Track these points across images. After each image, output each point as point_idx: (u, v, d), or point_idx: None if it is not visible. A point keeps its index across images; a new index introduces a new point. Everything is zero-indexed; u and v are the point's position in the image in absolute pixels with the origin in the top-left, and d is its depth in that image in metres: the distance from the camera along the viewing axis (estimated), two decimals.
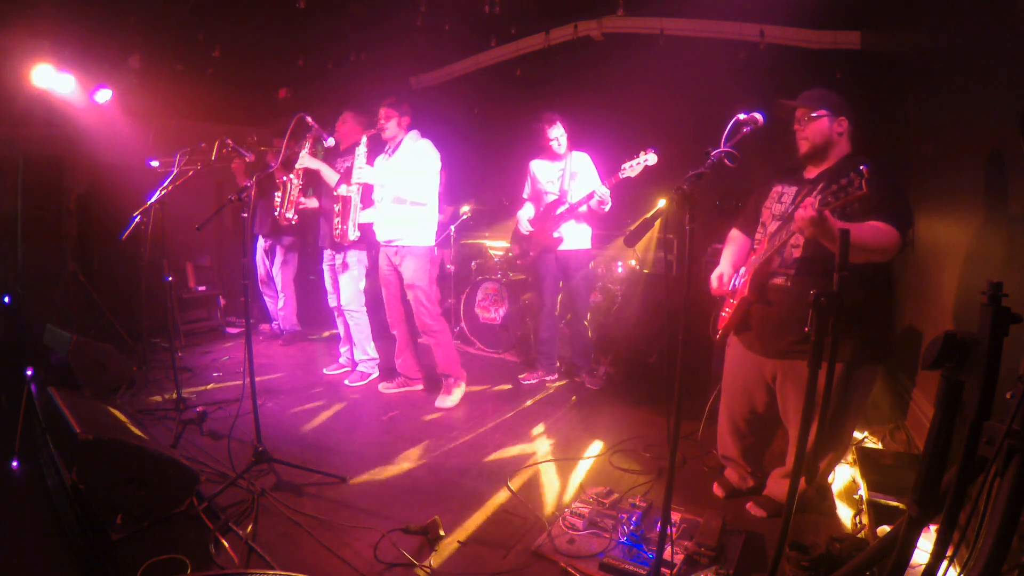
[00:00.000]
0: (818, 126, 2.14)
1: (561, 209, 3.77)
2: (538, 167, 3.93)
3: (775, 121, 2.22)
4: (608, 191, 3.53)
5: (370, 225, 3.64)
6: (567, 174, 3.79)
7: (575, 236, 3.83)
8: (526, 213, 4.00)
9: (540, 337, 4.08)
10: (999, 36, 2.12)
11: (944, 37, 2.78)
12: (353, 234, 3.63)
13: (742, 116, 1.96)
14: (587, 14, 5.07)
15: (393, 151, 3.52)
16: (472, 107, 6.32)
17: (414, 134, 3.52)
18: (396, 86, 5.80)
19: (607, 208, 3.63)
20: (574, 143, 3.85)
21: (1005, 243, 2.13)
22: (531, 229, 3.91)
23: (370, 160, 3.54)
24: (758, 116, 1.96)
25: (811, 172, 2.21)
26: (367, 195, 3.66)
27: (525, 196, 4.06)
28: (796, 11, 4.21)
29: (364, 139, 3.50)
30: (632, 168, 3.38)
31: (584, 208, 3.71)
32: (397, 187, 3.38)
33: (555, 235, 3.80)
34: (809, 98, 2.17)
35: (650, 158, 3.34)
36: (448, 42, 5.48)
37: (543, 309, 4.01)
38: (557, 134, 3.73)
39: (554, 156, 3.82)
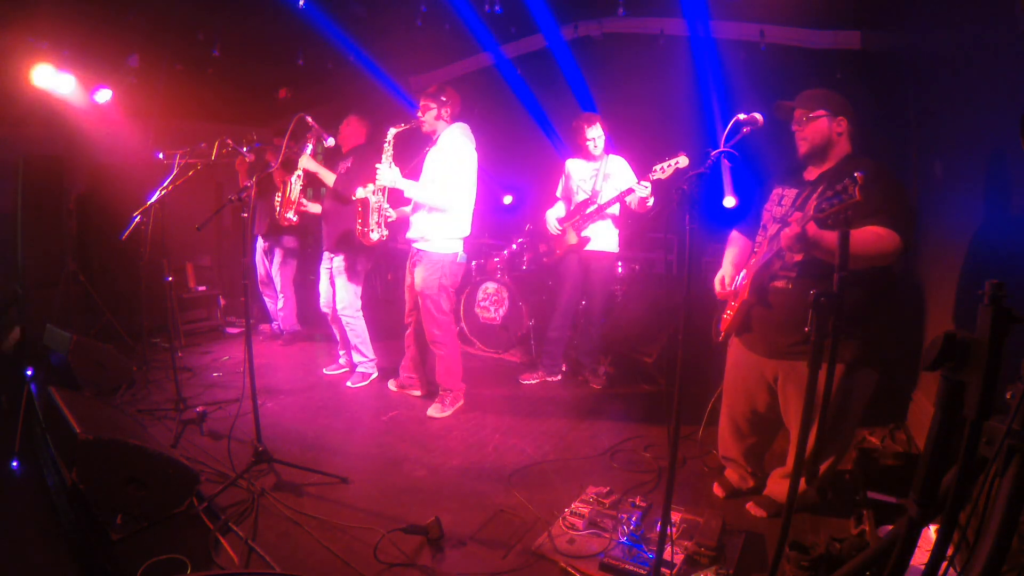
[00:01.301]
0: (817, 126, 2.14)
1: (590, 209, 3.75)
2: (574, 166, 3.91)
3: (776, 122, 2.22)
4: (650, 186, 3.41)
5: (402, 224, 3.49)
6: (601, 175, 3.77)
7: (602, 238, 3.81)
8: (555, 212, 3.98)
9: (548, 337, 4.04)
10: (999, 36, 2.12)
11: (944, 37, 2.79)
12: (376, 235, 3.42)
13: (742, 116, 1.97)
14: (587, 14, 5.07)
15: (431, 146, 3.31)
16: (472, 107, 6.32)
17: (456, 127, 3.26)
18: (396, 86, 5.79)
19: (650, 204, 3.53)
20: (577, 143, 3.84)
21: (1005, 243, 2.13)
22: (559, 228, 3.88)
23: (396, 159, 3.32)
24: (758, 116, 1.96)
25: (811, 173, 2.20)
26: (393, 192, 3.42)
27: (558, 195, 4.04)
28: (796, 11, 4.21)
29: (391, 134, 3.22)
30: (663, 171, 3.30)
31: (615, 209, 3.70)
32: (416, 192, 3.25)
33: (583, 235, 3.79)
34: (808, 98, 2.17)
35: (682, 161, 3.27)
36: (448, 42, 5.49)
37: (557, 309, 3.98)
38: (595, 135, 3.71)
39: (590, 156, 3.79)
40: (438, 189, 3.21)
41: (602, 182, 3.77)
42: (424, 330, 3.45)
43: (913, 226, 1.97)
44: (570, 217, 3.87)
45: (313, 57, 5.18)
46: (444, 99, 3.22)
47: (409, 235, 3.41)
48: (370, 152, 3.57)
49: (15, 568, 2.07)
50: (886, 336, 2.20)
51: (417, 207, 3.35)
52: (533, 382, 4.00)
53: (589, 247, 3.81)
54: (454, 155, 3.23)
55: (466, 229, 3.36)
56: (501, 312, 4.70)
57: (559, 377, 4.09)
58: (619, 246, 3.93)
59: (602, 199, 3.72)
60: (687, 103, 4.67)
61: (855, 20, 4.26)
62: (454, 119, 3.30)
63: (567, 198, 3.97)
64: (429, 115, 3.23)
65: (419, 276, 3.33)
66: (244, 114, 6.03)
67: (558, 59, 5.22)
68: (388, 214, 3.43)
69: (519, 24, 5.12)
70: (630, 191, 3.51)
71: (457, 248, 3.35)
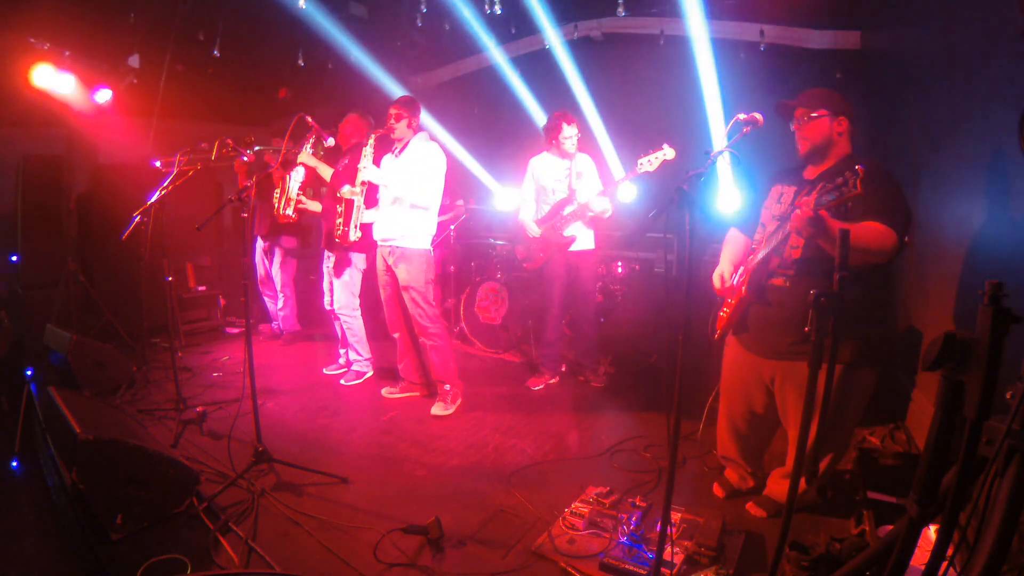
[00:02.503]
0: (818, 126, 2.14)
1: (570, 208, 3.74)
2: (542, 164, 3.88)
3: (776, 121, 2.22)
4: (610, 204, 3.65)
5: (371, 226, 3.60)
6: (574, 173, 3.77)
7: (584, 236, 3.82)
8: (529, 214, 3.94)
9: (547, 339, 4.02)
10: (999, 36, 2.12)
11: (944, 37, 2.79)
12: (354, 235, 3.58)
13: (742, 116, 1.97)
14: (587, 14, 5.08)
15: (400, 152, 3.45)
16: (472, 107, 6.33)
17: (423, 135, 3.45)
18: (397, 85, 5.80)
19: (607, 215, 3.70)
20: (551, 140, 3.85)
21: (1005, 243, 2.13)
22: (539, 230, 3.86)
23: (377, 161, 3.49)
24: (758, 116, 1.96)
25: (811, 173, 2.20)
26: (371, 195, 3.60)
27: (524, 196, 4.00)
28: (796, 11, 4.21)
29: (372, 139, 3.45)
30: (650, 163, 3.32)
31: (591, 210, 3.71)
32: (399, 188, 3.33)
33: (566, 235, 3.78)
34: (809, 97, 2.17)
35: (668, 152, 3.29)
36: (448, 42, 5.49)
37: (550, 311, 3.95)
38: (572, 133, 3.71)
39: (564, 155, 3.79)
40: (423, 186, 3.31)
41: (577, 180, 3.77)
42: (414, 325, 3.49)
43: (909, 224, 1.98)
44: (549, 218, 3.84)
45: (313, 57, 5.18)
46: (415, 110, 3.42)
47: (383, 235, 3.46)
48: (379, 149, 3.60)
49: (15, 568, 2.07)
50: (886, 336, 2.20)
51: (393, 207, 3.40)
52: (540, 387, 3.95)
53: (575, 247, 3.80)
54: (431, 158, 3.36)
55: (435, 228, 3.50)
56: (501, 312, 4.69)
57: (559, 378, 4.08)
58: (595, 243, 3.95)
59: (580, 198, 3.72)
60: (687, 103, 4.67)
61: (855, 20, 4.27)
62: (418, 130, 3.47)
63: (536, 198, 3.94)
64: (402, 123, 3.37)
65: (403, 272, 3.39)
66: (244, 114, 6.03)
67: (558, 59, 5.23)
68: (362, 214, 3.56)
69: (519, 24, 5.13)
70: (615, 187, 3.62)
71: (429, 244, 3.47)
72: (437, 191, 3.39)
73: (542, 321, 4.10)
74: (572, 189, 3.77)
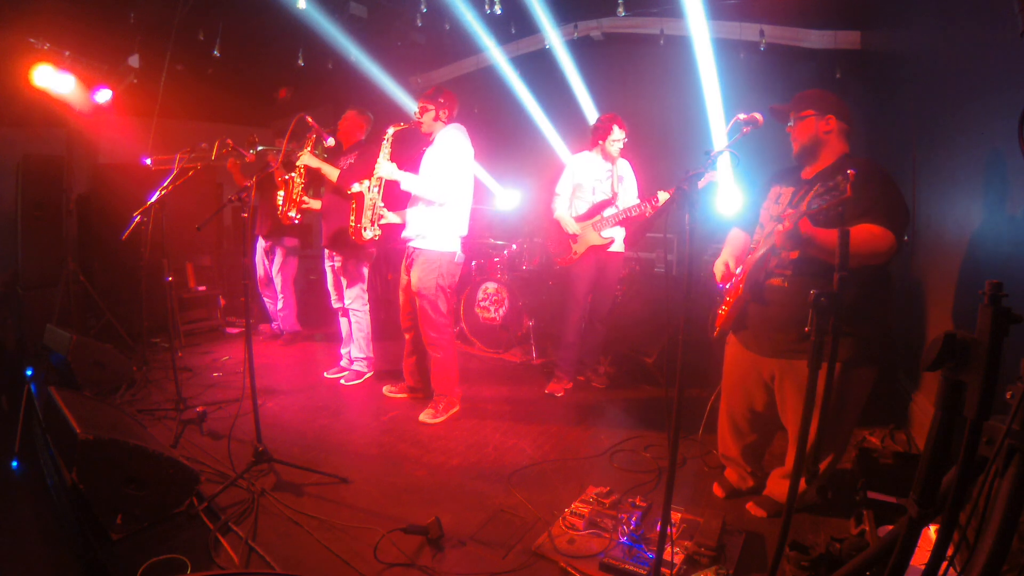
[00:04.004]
0: (805, 126, 2.16)
1: (612, 211, 3.68)
2: (584, 164, 3.78)
3: (776, 124, 2.23)
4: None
5: (396, 226, 3.46)
6: (615, 176, 3.73)
7: (620, 238, 3.80)
8: (565, 210, 3.82)
9: (566, 341, 3.88)
10: (999, 36, 2.12)
11: (944, 37, 2.79)
12: (369, 233, 3.41)
13: (742, 116, 1.97)
14: (587, 14, 5.08)
15: (428, 146, 3.30)
16: (472, 107, 6.32)
17: (451, 128, 3.26)
18: (397, 85, 5.80)
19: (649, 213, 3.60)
20: (578, 143, 3.84)
21: (1005, 243, 2.13)
22: (578, 227, 3.75)
23: (394, 157, 3.32)
24: (758, 116, 1.96)
25: (808, 173, 2.21)
26: (389, 196, 3.44)
27: (559, 191, 3.84)
28: (796, 11, 4.21)
29: (390, 132, 3.24)
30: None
31: (635, 212, 3.64)
32: (413, 184, 3.21)
33: (604, 236, 3.72)
34: (799, 99, 2.20)
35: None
36: (448, 42, 5.50)
37: (573, 312, 3.83)
38: (620, 136, 3.67)
39: (607, 156, 3.73)
40: (435, 182, 3.18)
41: (618, 184, 3.73)
42: (420, 332, 3.38)
43: (906, 224, 1.98)
44: (588, 216, 3.77)
45: (313, 57, 5.19)
46: (442, 101, 3.24)
47: (405, 234, 3.36)
48: (374, 149, 3.57)
49: (16, 568, 2.07)
50: (884, 334, 2.20)
51: (414, 204, 3.32)
52: (560, 394, 3.81)
53: (612, 248, 3.76)
54: (450, 151, 3.21)
55: (464, 228, 3.32)
56: (501, 312, 4.70)
57: (574, 383, 3.95)
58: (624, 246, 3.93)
59: (620, 202, 3.68)
60: (687, 103, 4.67)
61: (855, 20, 4.27)
62: (451, 120, 3.31)
63: (574, 195, 3.85)
64: (427, 116, 3.24)
65: (415, 275, 3.26)
66: (244, 114, 6.05)
67: (558, 59, 5.23)
68: (382, 213, 3.42)
69: (519, 24, 5.13)
70: (652, 200, 3.53)
71: (455, 247, 3.29)
72: (451, 185, 3.17)
73: (561, 321, 3.95)
74: (615, 192, 3.71)
